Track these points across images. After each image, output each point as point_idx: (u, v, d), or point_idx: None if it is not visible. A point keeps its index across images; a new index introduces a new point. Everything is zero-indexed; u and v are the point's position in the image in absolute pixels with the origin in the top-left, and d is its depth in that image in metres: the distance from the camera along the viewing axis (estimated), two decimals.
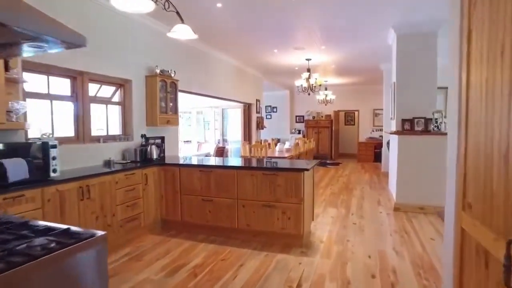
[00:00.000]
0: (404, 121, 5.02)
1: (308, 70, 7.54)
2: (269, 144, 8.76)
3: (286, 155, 6.58)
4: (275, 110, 13.87)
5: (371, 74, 9.69)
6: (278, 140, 13.40)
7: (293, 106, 13.64)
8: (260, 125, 9.39)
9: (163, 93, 4.96)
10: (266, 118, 13.93)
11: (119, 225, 3.57)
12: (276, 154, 6.87)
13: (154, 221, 4.14)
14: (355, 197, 5.98)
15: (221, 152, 8.13)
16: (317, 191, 6.54)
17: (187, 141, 11.12)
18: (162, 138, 5.21)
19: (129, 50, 4.50)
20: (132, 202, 3.75)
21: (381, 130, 12.31)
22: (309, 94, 7.67)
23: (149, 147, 4.41)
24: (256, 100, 9.38)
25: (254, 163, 4.23)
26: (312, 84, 7.46)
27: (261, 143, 8.08)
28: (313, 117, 13.02)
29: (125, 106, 4.60)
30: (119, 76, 4.37)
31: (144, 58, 4.80)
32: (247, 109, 9.15)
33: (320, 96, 11.02)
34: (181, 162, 4.39)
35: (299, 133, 13.21)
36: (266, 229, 3.66)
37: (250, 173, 3.68)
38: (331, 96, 10.99)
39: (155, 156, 4.43)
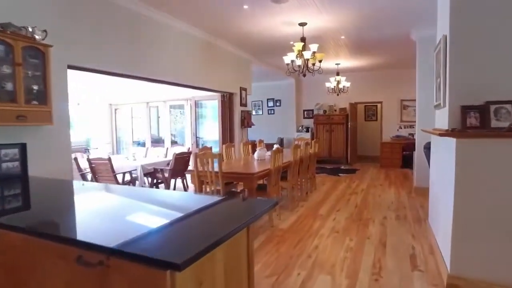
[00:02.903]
0: (466, 110, 2.51)
1: (303, 40, 5.10)
2: (253, 146, 6.39)
3: (267, 167, 4.19)
4: (278, 103, 11.45)
5: (398, 50, 7.08)
6: (281, 140, 11.00)
7: (300, 98, 11.15)
8: (245, 122, 7.03)
9: (8, 67, 2.72)
10: (268, 113, 11.60)
11: None
12: (255, 166, 4.51)
13: None
14: (371, 243, 3.51)
15: (183, 161, 5.84)
16: (313, 225, 4.12)
17: (158, 143, 8.95)
18: (23, 146, 2.98)
19: None
20: None
21: (410, 126, 9.64)
22: (304, 75, 5.24)
23: None
24: (241, 88, 7.02)
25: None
26: (308, 60, 5.01)
27: (233, 147, 5.74)
28: (324, 112, 10.49)
29: None
30: None
31: None
32: (226, 101, 6.82)
33: (331, 83, 8.52)
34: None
35: (307, 131, 10.73)
36: None
37: (56, 252, 1.35)
38: (344, 83, 8.46)
39: None
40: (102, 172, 5.42)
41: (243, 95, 7.11)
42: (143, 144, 9.19)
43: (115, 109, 9.51)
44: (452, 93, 2.61)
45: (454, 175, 2.40)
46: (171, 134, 9.40)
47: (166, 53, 4.89)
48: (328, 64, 8.46)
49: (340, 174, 8.14)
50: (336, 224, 4.19)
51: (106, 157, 6.99)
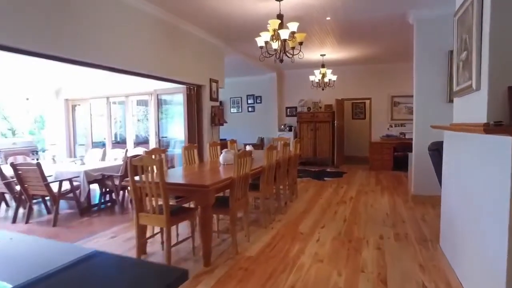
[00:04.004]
0: None
1: (279, 17, 4.15)
2: (223, 147, 5.40)
3: (230, 174, 3.20)
4: (259, 100, 10.50)
5: (392, 37, 6.23)
6: (262, 140, 10.07)
7: (283, 94, 10.22)
8: (216, 119, 6.04)
9: None
10: (248, 111, 10.64)
11: None
12: (219, 173, 3.54)
13: None
14: (367, 279, 2.58)
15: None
16: (290, 250, 3.17)
17: (118, 143, 7.91)
18: None
19: None
20: None
21: (402, 125, 8.87)
22: (281, 60, 4.30)
23: None
24: (211, 80, 6.03)
25: None
26: (286, 41, 4.06)
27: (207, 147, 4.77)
28: (308, 109, 9.59)
29: None
30: None
31: None
32: (193, 95, 5.82)
33: (316, 77, 7.62)
34: None
35: (290, 130, 9.82)
36: None
37: None
38: (330, 76, 7.57)
39: None
40: (31, 180, 4.34)
41: (214, 88, 6.12)
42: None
43: (73, 106, 8.35)
44: (495, 68, 1.70)
45: (509, 193, 1.48)
46: (153, 134, 8.32)
47: (114, 33, 3.86)
48: (312, 55, 7.58)
49: (325, 178, 7.25)
50: (320, 247, 3.26)
51: (51, 161, 5.94)
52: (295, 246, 3.31)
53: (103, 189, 5.10)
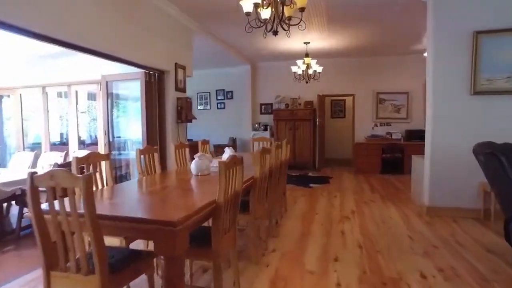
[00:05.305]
0: None
1: None
2: (193, 150, 4.19)
3: (209, 198, 2.03)
4: (230, 96, 9.32)
5: (390, 22, 5.36)
6: (234, 141, 8.90)
7: (257, 89, 9.12)
8: (183, 114, 4.80)
9: None
10: (218, 108, 9.44)
11: None
12: (192, 194, 2.36)
13: None
14: None
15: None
16: None
17: (64, 144, 6.43)
18: None
19: None
20: None
21: (387, 124, 8.14)
22: (275, 33, 3.21)
23: None
24: (177, 65, 4.79)
25: None
26: (284, 4, 2.96)
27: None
28: (286, 106, 8.57)
29: None
30: None
31: None
32: (154, 82, 4.54)
33: (299, 67, 6.60)
34: None
35: (265, 129, 8.75)
36: None
37: None
38: (316, 67, 6.60)
39: None
40: None
41: (180, 76, 4.88)
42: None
43: None
44: None
45: None
46: (102, 133, 6.79)
47: None
48: (294, 43, 6.57)
49: (311, 185, 6.25)
50: None
51: None
52: None
53: (22, 210, 3.68)
